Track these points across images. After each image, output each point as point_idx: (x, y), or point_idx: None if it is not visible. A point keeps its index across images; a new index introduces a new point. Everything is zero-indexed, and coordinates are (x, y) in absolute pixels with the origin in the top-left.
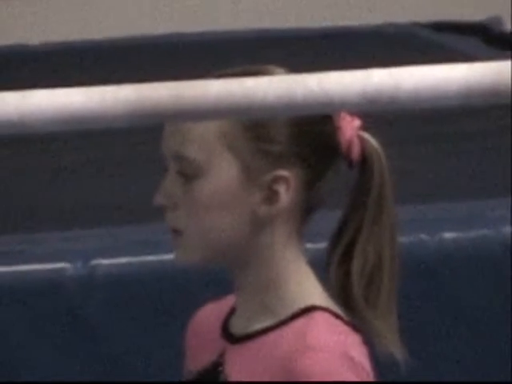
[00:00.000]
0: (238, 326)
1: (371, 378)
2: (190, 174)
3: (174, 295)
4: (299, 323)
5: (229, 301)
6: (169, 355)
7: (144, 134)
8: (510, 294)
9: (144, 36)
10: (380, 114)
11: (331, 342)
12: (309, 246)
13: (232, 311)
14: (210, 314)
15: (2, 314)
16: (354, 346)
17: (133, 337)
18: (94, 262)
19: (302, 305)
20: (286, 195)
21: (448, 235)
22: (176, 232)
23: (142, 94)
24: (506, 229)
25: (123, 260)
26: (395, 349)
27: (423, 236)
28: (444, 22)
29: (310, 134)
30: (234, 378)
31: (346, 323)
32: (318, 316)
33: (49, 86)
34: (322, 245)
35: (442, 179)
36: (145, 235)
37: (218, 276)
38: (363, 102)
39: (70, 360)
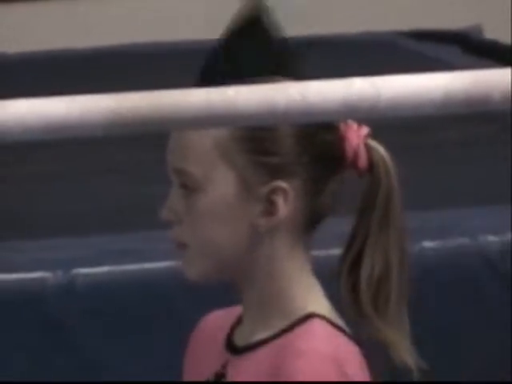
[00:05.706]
0: (241, 338)
1: None
2: (190, 188)
3: (155, 304)
4: (298, 331)
5: (235, 311)
6: (149, 365)
7: (123, 142)
8: (485, 302)
9: (123, 45)
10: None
11: (323, 348)
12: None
13: (238, 322)
14: (214, 323)
15: None
16: (348, 356)
17: (113, 346)
18: (75, 271)
19: (303, 313)
20: (284, 206)
21: (427, 244)
22: (181, 246)
23: (122, 103)
24: (484, 238)
25: (104, 269)
26: (408, 356)
27: None
28: (424, 30)
29: (312, 145)
30: None
31: (345, 334)
32: (316, 323)
33: (29, 95)
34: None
35: (420, 188)
36: (125, 244)
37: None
38: (344, 110)
39: (50, 370)
